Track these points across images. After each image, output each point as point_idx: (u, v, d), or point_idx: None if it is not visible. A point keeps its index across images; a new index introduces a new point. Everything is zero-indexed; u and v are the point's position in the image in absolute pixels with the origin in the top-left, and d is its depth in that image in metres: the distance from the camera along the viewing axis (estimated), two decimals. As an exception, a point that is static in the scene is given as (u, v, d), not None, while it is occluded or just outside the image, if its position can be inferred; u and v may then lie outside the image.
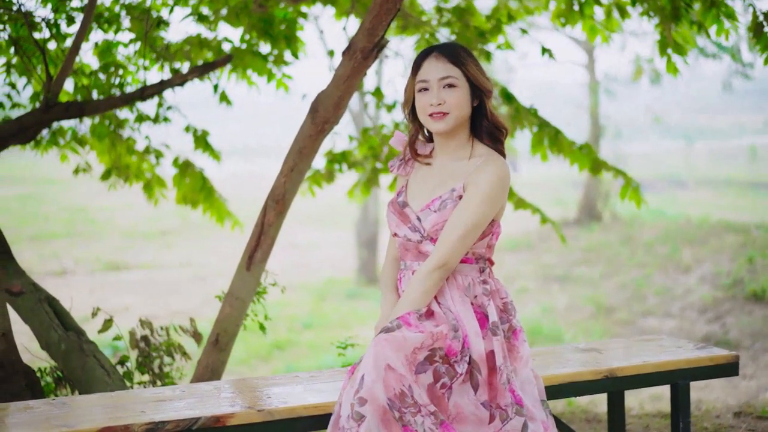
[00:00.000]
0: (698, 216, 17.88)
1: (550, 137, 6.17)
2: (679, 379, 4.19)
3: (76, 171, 7.55)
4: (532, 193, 23.79)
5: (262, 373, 10.80)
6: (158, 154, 7.32)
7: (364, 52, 4.51)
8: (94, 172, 7.66)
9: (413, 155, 3.66)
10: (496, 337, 3.44)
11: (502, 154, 3.59)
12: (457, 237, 3.41)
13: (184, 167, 7.21)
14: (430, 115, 3.51)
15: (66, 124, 7.28)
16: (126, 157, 7.22)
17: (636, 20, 5.81)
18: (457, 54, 3.54)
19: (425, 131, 3.69)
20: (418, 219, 3.51)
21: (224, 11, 6.41)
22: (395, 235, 3.61)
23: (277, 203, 4.80)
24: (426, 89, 3.53)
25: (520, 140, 6.52)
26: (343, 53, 4.59)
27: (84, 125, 7.23)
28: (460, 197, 3.46)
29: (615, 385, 4.12)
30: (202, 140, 7.08)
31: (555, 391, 4.01)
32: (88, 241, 19.56)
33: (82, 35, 5.68)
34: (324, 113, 4.66)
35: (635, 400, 6.96)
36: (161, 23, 6.29)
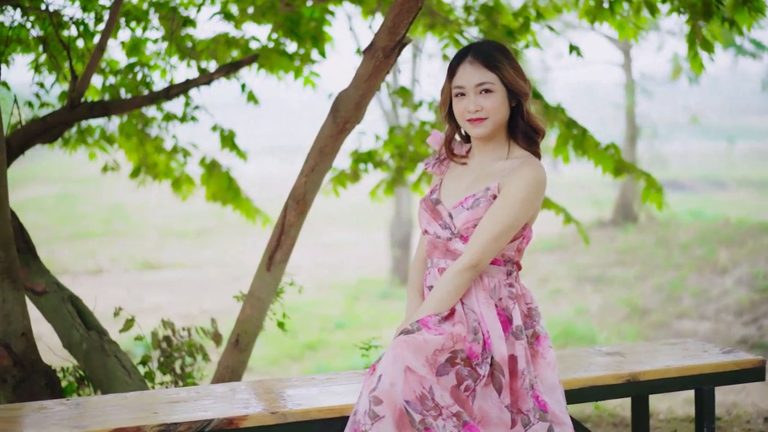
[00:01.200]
0: (737, 217, 17.69)
1: (576, 137, 6.08)
2: (703, 384, 4.12)
3: (104, 169, 7.57)
4: (569, 194, 23.75)
5: (294, 374, 10.79)
6: (186, 153, 7.33)
7: (385, 50, 4.45)
8: (122, 171, 7.69)
9: (449, 155, 3.62)
10: (519, 341, 3.39)
11: (538, 156, 3.53)
12: (490, 238, 3.36)
13: (211, 167, 7.22)
14: (469, 120, 3.47)
15: (94, 122, 7.31)
16: (154, 156, 7.23)
17: (674, 19, 5.73)
18: (492, 57, 3.46)
19: (462, 131, 3.64)
20: (450, 216, 3.46)
21: (251, 10, 6.39)
22: (425, 232, 3.57)
23: (298, 203, 4.76)
24: (462, 95, 3.47)
25: (552, 140, 6.44)
26: (364, 52, 4.54)
27: (112, 124, 7.26)
28: (494, 197, 3.41)
29: (637, 390, 4.05)
30: (228, 140, 7.08)
31: (576, 394, 3.95)
32: (124, 239, 19.67)
33: (107, 35, 5.68)
34: (345, 113, 4.62)
35: (666, 403, 6.86)
36: (187, 22, 6.28)
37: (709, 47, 5.54)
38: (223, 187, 7.29)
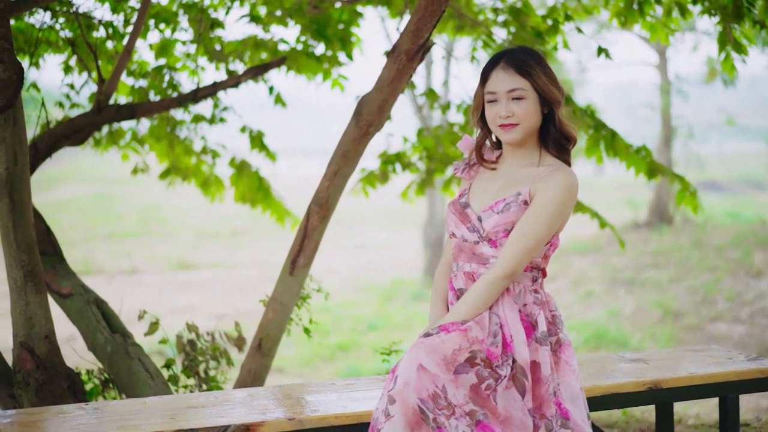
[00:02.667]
0: (775, 219, 17.51)
1: (606, 139, 6.03)
2: (727, 392, 4.06)
3: (134, 171, 7.61)
4: (606, 195, 23.60)
5: (325, 375, 10.81)
6: (215, 155, 7.34)
7: (408, 54, 4.44)
8: (151, 172, 7.72)
9: (479, 160, 3.59)
10: (543, 347, 3.37)
11: (568, 163, 3.51)
12: (525, 247, 3.35)
13: (241, 167, 7.22)
14: (500, 126, 3.45)
15: (125, 125, 7.34)
16: (185, 158, 7.25)
17: (709, 20, 5.66)
18: (525, 63, 3.44)
19: (493, 137, 3.62)
20: (479, 219, 3.44)
21: (279, 12, 6.38)
22: (452, 235, 3.55)
23: (321, 207, 4.75)
24: (495, 101, 3.45)
25: (583, 141, 6.39)
26: (388, 55, 4.52)
27: (143, 125, 7.29)
28: (525, 202, 3.39)
29: (659, 397, 4.00)
30: (257, 140, 7.08)
31: (597, 402, 3.91)
32: (160, 240, 19.76)
33: (135, 38, 5.69)
34: (368, 116, 4.60)
35: (696, 408, 6.79)
36: (214, 25, 6.29)
37: (741, 49, 5.48)
38: (254, 187, 7.30)
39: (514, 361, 3.32)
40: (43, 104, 5.71)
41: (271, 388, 4.01)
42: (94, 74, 6.34)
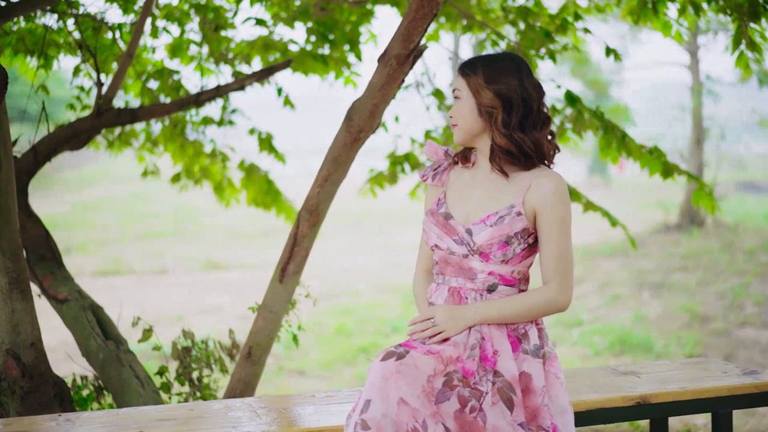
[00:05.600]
0: (812, 221, 17.21)
1: (617, 140, 5.91)
2: (719, 408, 3.92)
3: (144, 174, 7.58)
4: (633, 196, 23.31)
5: (346, 379, 10.72)
6: (225, 157, 7.30)
7: (399, 58, 4.34)
8: (163, 175, 7.69)
9: (462, 160, 3.48)
10: (536, 359, 3.27)
11: (549, 163, 3.39)
12: (568, 268, 3.31)
13: (250, 171, 7.18)
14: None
15: (138, 126, 7.31)
16: (199, 160, 7.22)
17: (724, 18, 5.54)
18: (470, 64, 3.36)
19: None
20: (469, 233, 3.32)
21: (284, 14, 6.32)
22: (436, 246, 3.43)
23: (311, 214, 4.66)
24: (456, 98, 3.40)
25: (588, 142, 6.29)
26: (378, 60, 4.42)
27: (156, 126, 7.26)
28: (519, 213, 3.28)
29: (647, 413, 3.87)
30: (266, 142, 7.02)
31: (584, 417, 3.80)
32: (192, 240, 19.78)
33: (136, 41, 5.65)
34: (359, 122, 4.51)
35: (701, 420, 6.62)
36: (218, 27, 6.23)
37: (756, 48, 5.35)
38: (263, 191, 7.25)
39: (495, 374, 3.21)
40: (44, 108, 5.67)
41: (250, 400, 3.93)
42: (95, 76, 6.32)
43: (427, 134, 6.54)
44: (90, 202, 26.21)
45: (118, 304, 12.98)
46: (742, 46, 5.39)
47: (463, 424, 3.12)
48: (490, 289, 3.31)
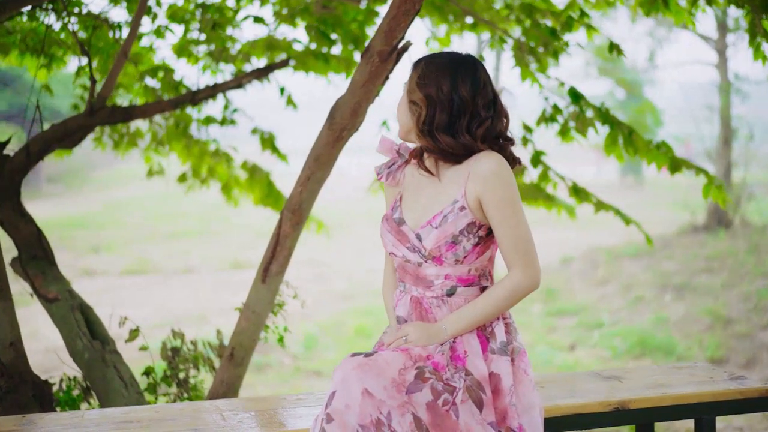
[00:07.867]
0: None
1: (624, 137, 5.79)
2: (702, 414, 3.79)
3: (150, 173, 7.54)
4: (659, 197, 23.03)
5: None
6: (228, 158, 7.25)
7: (381, 55, 4.25)
8: (168, 176, 7.65)
9: (421, 165, 3.31)
10: (504, 357, 3.16)
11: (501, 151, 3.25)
12: (531, 246, 3.16)
13: (252, 171, 7.12)
14: None
15: (143, 126, 7.28)
16: (206, 159, 7.18)
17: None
18: (419, 59, 3.27)
19: None
20: (418, 238, 3.21)
21: (285, 12, 6.24)
22: (392, 254, 3.32)
23: (294, 213, 4.59)
24: None
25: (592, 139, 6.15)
26: (361, 57, 4.34)
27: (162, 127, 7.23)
28: (462, 207, 3.15)
29: (626, 419, 3.75)
30: (269, 142, 6.96)
31: (560, 423, 3.68)
32: (219, 239, 19.80)
33: (131, 41, 5.59)
34: (341, 120, 4.43)
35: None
36: (216, 25, 6.16)
37: (770, 41, 5.23)
38: (265, 193, 7.19)
39: (466, 372, 3.11)
40: (38, 107, 5.63)
41: (221, 402, 3.85)
42: (99, 76, 6.28)
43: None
44: (121, 202, 26.33)
45: (138, 304, 13.01)
46: (758, 39, 5.28)
47: (436, 416, 3.03)
48: (450, 293, 3.21)
